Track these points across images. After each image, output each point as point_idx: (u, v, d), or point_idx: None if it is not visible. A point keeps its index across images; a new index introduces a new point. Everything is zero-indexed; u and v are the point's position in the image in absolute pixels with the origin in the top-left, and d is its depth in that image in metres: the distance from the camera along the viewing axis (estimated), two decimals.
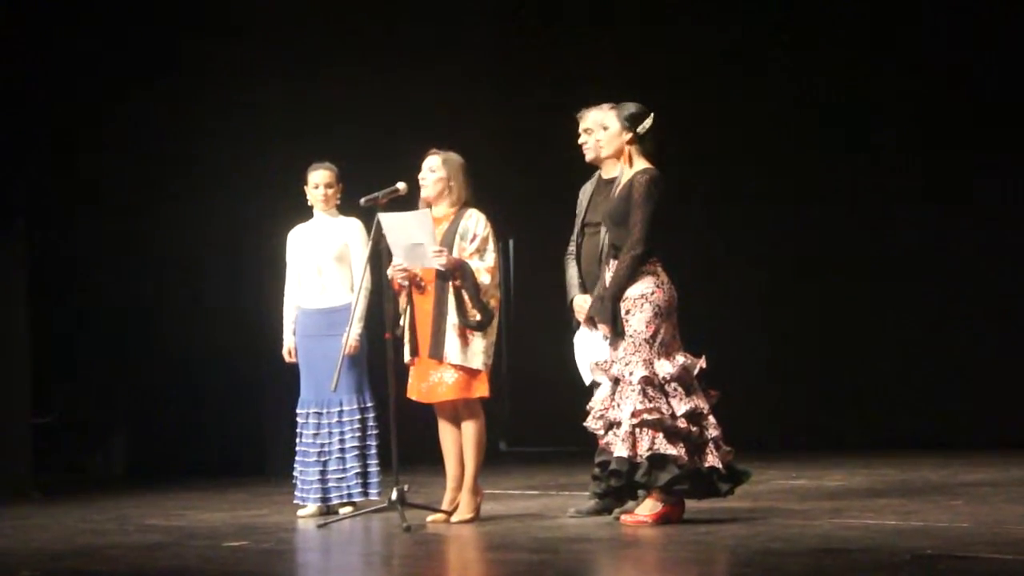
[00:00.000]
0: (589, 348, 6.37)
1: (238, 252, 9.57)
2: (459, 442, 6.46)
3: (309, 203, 7.07)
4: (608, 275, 6.16)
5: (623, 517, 6.10)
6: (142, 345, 9.79)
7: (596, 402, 6.14)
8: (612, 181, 6.39)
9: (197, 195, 9.64)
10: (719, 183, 10.52)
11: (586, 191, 6.55)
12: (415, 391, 6.46)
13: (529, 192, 10.72)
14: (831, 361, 10.42)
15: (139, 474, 9.52)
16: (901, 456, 9.00)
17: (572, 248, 6.54)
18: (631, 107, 6.13)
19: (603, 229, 6.34)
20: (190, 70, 9.51)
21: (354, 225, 6.99)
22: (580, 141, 6.47)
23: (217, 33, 9.51)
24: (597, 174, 6.53)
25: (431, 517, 6.41)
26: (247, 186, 9.51)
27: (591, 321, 6.32)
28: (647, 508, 6.00)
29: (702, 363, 6.03)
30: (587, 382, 6.42)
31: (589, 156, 6.47)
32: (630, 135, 6.10)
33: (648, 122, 6.10)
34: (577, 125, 6.49)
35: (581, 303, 6.39)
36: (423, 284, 6.42)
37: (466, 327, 6.31)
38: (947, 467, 8.35)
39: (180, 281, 9.81)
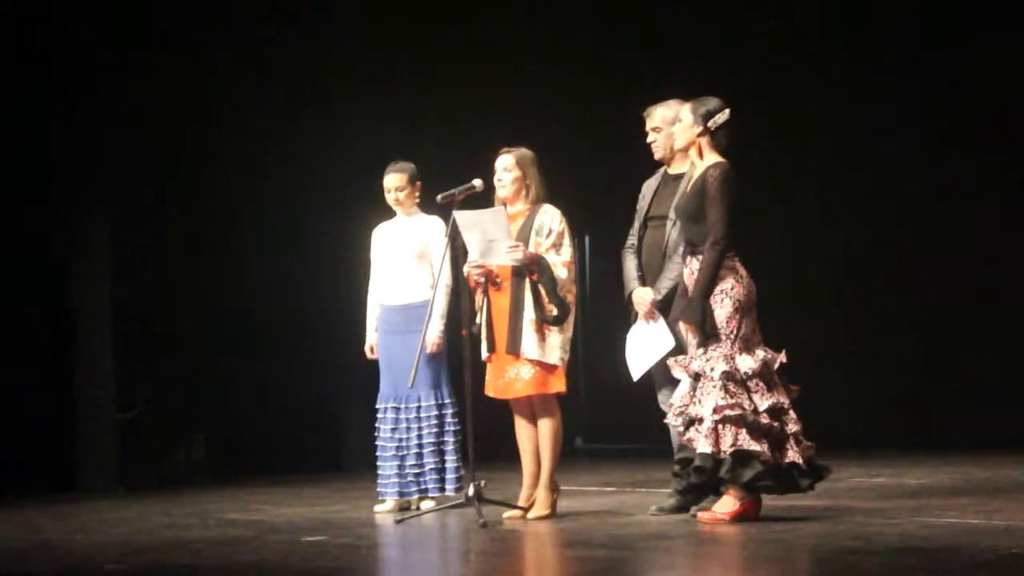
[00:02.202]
0: (642, 343, 6.35)
1: (319, 249, 9.64)
2: (535, 438, 6.46)
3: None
4: (673, 270, 6.15)
5: (700, 515, 6.07)
6: (223, 342, 9.90)
7: (676, 398, 6.12)
8: (678, 177, 6.38)
9: (279, 193, 9.72)
10: (804, 177, 10.44)
11: (650, 185, 6.54)
12: (492, 387, 6.48)
13: (605, 188, 10.69)
14: (910, 358, 10.30)
15: (219, 469, 9.63)
16: (984, 454, 8.86)
17: (632, 241, 6.51)
18: (710, 102, 6.10)
19: (668, 223, 6.32)
20: (270, 69, 9.60)
21: (435, 223, 7.01)
22: (649, 140, 6.46)
23: (297, 32, 9.60)
24: (662, 169, 6.52)
25: (507, 513, 6.42)
26: (330, 182, 9.58)
27: (651, 315, 6.30)
28: (725, 506, 5.97)
29: (782, 357, 5.99)
30: (635, 377, 6.40)
31: (658, 154, 6.46)
32: (701, 128, 6.08)
33: (721, 117, 6.07)
34: (645, 123, 6.48)
35: (642, 295, 6.37)
36: (499, 280, 6.43)
37: (543, 322, 6.31)
38: None
39: (260, 278, 9.89)
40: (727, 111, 6.08)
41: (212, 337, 9.88)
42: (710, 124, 6.06)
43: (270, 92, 9.59)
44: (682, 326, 6.08)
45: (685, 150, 6.17)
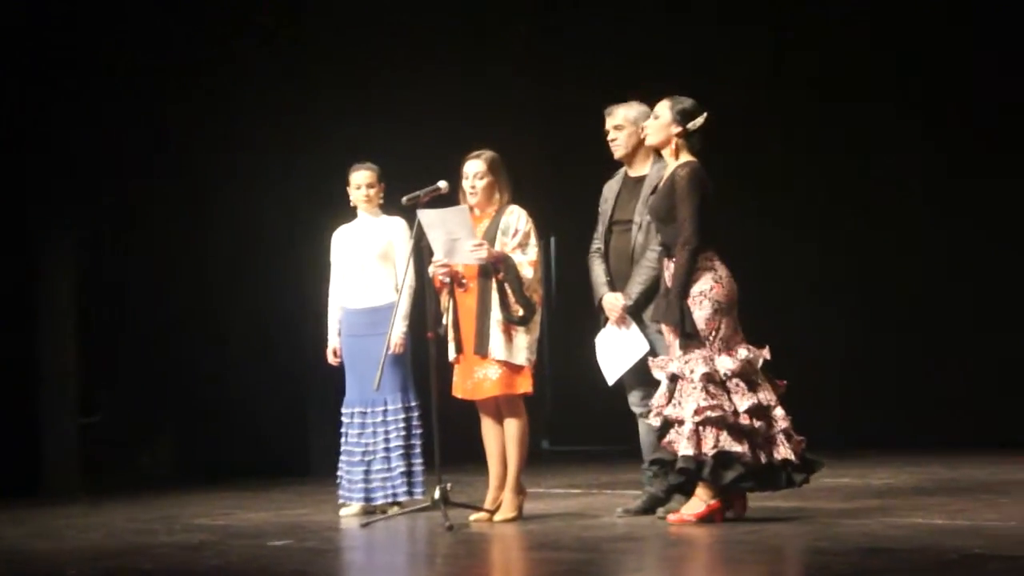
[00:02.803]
0: (615, 348, 6.32)
1: (282, 253, 9.58)
2: (502, 440, 6.43)
3: (352, 204, 7.06)
4: (641, 274, 6.13)
5: (668, 516, 6.04)
6: (188, 345, 9.82)
7: (655, 399, 6.07)
8: (640, 179, 6.35)
9: (242, 196, 9.66)
10: (778, 171, 10.47)
11: (612, 188, 6.49)
12: (460, 389, 6.44)
13: (570, 190, 10.66)
14: (875, 356, 10.33)
15: (185, 474, 9.55)
16: (948, 454, 8.90)
17: (598, 246, 6.47)
18: (687, 102, 6.05)
19: (634, 227, 6.29)
20: (230, 74, 9.53)
21: (398, 224, 6.97)
22: (609, 138, 6.42)
23: (257, 36, 9.54)
24: (623, 171, 6.49)
25: (474, 516, 6.38)
26: (289, 187, 9.53)
27: (623, 320, 6.26)
28: (692, 507, 5.95)
29: (765, 354, 5.95)
30: (610, 382, 6.37)
31: (618, 153, 6.42)
32: (679, 129, 6.03)
33: (700, 120, 6.02)
34: (605, 121, 6.45)
35: (612, 300, 6.33)
36: (465, 281, 6.39)
37: (509, 322, 6.27)
38: (995, 465, 8.25)
39: (225, 282, 9.83)
40: (705, 115, 6.03)
41: (177, 340, 9.81)
42: (689, 125, 6.01)
43: (233, 99, 9.52)
44: (663, 327, 6.04)
45: (659, 148, 6.12)
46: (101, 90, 9.11)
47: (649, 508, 6.33)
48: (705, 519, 5.90)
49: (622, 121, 6.38)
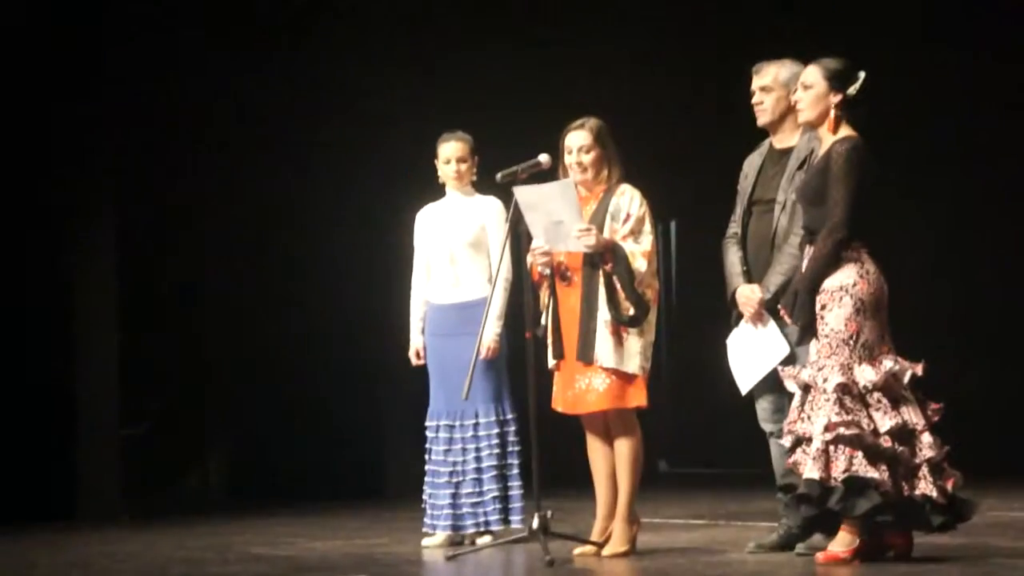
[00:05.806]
0: (750, 350, 6.26)
1: (353, 242, 9.64)
2: (611, 461, 6.41)
3: (440, 180, 7.06)
4: (783, 263, 6.07)
5: (818, 555, 5.96)
6: (245, 346, 9.91)
7: (789, 414, 6.01)
8: (786, 152, 6.28)
9: (308, 189, 9.76)
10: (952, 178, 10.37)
11: (753, 163, 6.43)
12: (560, 401, 6.43)
13: (694, 167, 10.60)
14: None
15: (241, 494, 9.66)
16: None
17: (735, 230, 6.41)
18: (835, 63, 5.94)
19: (777, 208, 6.23)
20: (309, 48, 9.63)
21: (493, 205, 6.96)
22: (755, 101, 6.35)
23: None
24: (767, 143, 6.42)
25: (579, 549, 6.37)
26: (364, 171, 9.60)
27: (759, 317, 6.20)
28: (843, 541, 5.85)
29: (917, 369, 5.84)
30: (743, 390, 6.32)
31: (763, 119, 6.36)
32: (839, 97, 5.92)
33: (859, 83, 5.91)
34: (750, 82, 6.37)
35: (748, 293, 6.27)
36: (569, 274, 6.36)
37: (619, 323, 6.24)
38: None
39: (288, 277, 9.92)
40: (863, 75, 5.91)
41: (234, 342, 9.91)
42: (850, 91, 5.90)
43: (294, 78, 9.63)
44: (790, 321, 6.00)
45: (814, 125, 6.02)
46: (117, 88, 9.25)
47: (787, 543, 6.27)
48: (861, 555, 5.79)
49: (771, 82, 6.31)
